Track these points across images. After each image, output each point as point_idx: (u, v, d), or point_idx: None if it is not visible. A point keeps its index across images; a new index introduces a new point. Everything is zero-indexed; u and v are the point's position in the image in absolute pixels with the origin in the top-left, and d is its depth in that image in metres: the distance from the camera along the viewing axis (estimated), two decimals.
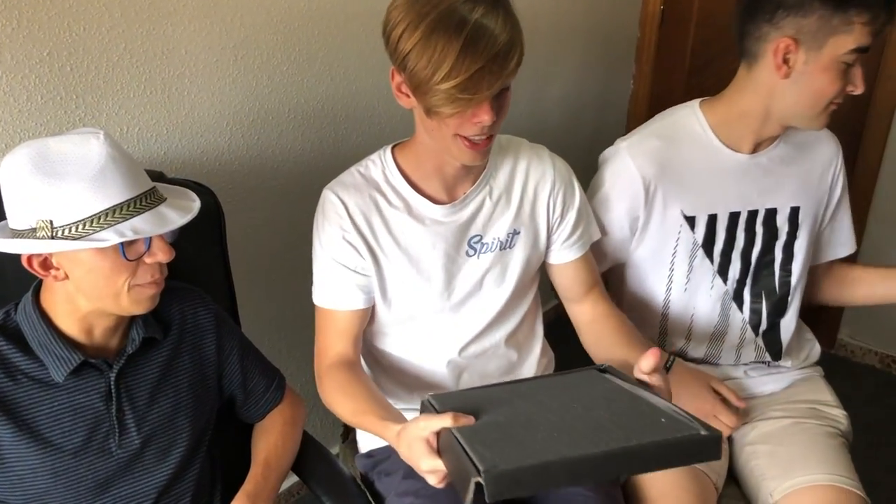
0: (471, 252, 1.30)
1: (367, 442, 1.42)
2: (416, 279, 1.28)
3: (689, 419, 0.92)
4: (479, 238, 1.30)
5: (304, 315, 1.89)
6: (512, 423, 0.94)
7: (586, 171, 1.53)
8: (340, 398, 1.22)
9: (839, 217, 1.54)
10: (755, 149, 1.42)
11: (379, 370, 1.39)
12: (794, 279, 1.49)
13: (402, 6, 1.07)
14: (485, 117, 1.09)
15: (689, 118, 1.45)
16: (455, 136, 1.12)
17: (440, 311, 1.31)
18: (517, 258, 1.34)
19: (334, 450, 1.98)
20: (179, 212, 1.05)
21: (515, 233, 1.32)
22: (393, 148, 1.30)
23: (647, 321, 1.55)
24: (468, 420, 0.92)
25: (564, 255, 1.38)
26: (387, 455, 1.35)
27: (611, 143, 1.51)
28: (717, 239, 1.45)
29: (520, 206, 1.32)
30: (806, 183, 1.46)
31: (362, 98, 1.88)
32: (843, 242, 1.57)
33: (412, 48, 1.05)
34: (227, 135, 1.64)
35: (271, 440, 1.28)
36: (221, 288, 1.37)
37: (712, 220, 1.44)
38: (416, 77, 1.06)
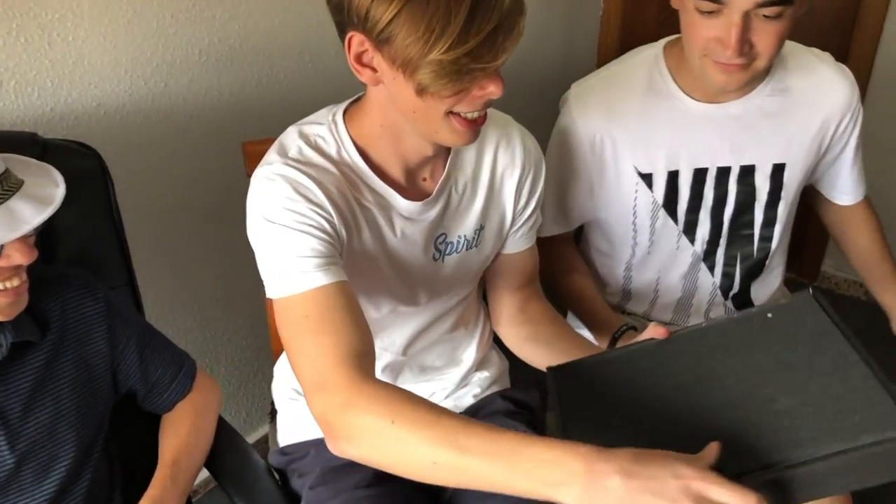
0: (436, 255, 1.11)
1: (283, 435, 1.26)
2: (376, 286, 1.10)
3: None
4: (443, 237, 1.10)
5: (217, 289, 1.74)
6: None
7: (555, 112, 1.37)
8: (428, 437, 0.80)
9: (840, 169, 1.35)
10: (724, 97, 1.23)
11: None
12: (774, 244, 1.33)
13: None
14: (495, 88, 0.90)
15: (648, 62, 1.27)
16: (448, 115, 0.92)
17: (392, 318, 1.15)
18: (482, 257, 1.17)
19: (254, 437, 1.84)
20: (36, 205, 0.87)
21: (481, 228, 1.14)
22: (343, 116, 1.04)
23: (611, 284, 1.42)
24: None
25: (516, 245, 1.21)
26: (302, 453, 1.20)
27: (581, 77, 1.35)
28: (679, 197, 1.28)
29: (487, 197, 1.13)
30: (797, 137, 1.26)
31: (288, 32, 1.67)
32: (842, 190, 1.39)
33: (397, 13, 0.83)
34: (127, 84, 1.43)
35: (181, 435, 1.13)
36: (116, 266, 1.19)
37: (673, 177, 1.27)
38: (406, 50, 0.84)
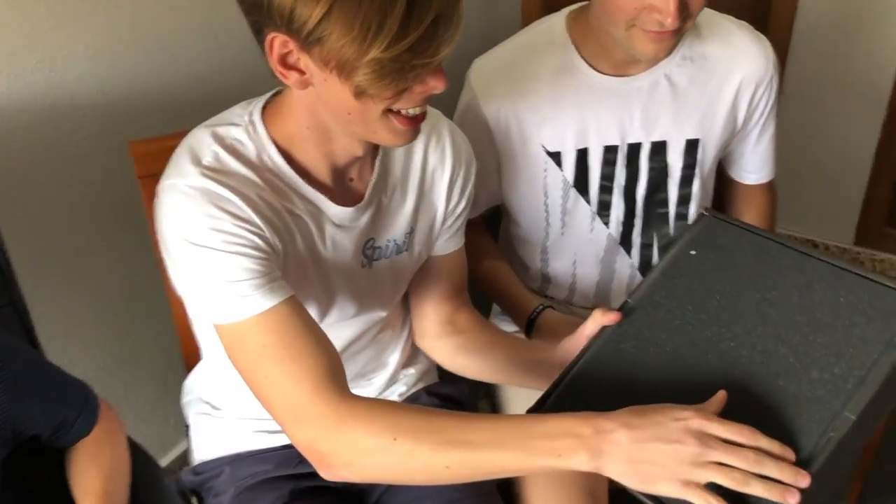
0: (364, 262, 1.04)
1: (197, 453, 1.18)
2: (302, 299, 1.00)
3: None
4: (371, 242, 1.03)
5: (118, 302, 1.61)
6: None
7: None
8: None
9: (749, 145, 1.30)
10: (632, 69, 1.18)
11: (228, 389, 1.14)
12: (690, 221, 1.29)
13: None
14: (438, 83, 0.83)
15: (550, 34, 1.21)
16: (386, 114, 0.85)
17: None
18: (413, 261, 1.10)
19: (172, 455, 1.69)
20: None
21: (412, 231, 1.07)
22: (261, 114, 0.95)
23: (528, 270, 1.37)
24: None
25: (447, 246, 1.14)
26: (217, 471, 1.13)
27: None
28: (590, 176, 1.23)
29: (417, 198, 1.06)
30: (711, 111, 1.22)
31: (189, 17, 1.56)
32: (746, 167, 1.35)
33: (327, 11, 0.75)
34: (3, 85, 1.31)
35: (104, 464, 1.03)
36: None
37: (582, 154, 1.22)
38: (340, 51, 0.77)
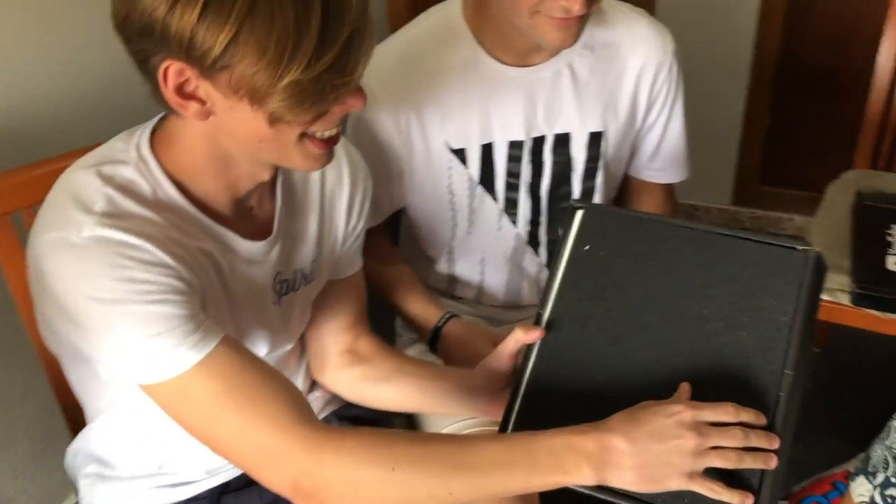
0: (274, 299, 0.97)
1: None
2: None
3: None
4: (279, 276, 0.97)
5: None
6: None
7: None
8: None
9: (655, 138, 1.25)
10: (534, 59, 1.14)
11: (125, 447, 1.04)
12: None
13: None
14: (358, 101, 0.79)
15: (446, 24, 1.15)
16: (301, 139, 0.80)
17: None
18: (320, 289, 1.04)
19: None
20: None
21: (316, 259, 1.00)
22: (150, 147, 0.86)
23: (433, 271, 1.32)
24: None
25: (347, 267, 1.08)
26: None
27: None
28: (496, 172, 1.18)
29: (320, 222, 1.00)
30: (613, 101, 1.19)
31: (44, 31, 1.40)
32: (655, 167, 1.31)
33: (234, 36, 0.69)
34: None
35: None
36: None
37: (487, 150, 1.17)
38: (252, 78, 0.71)
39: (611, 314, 0.90)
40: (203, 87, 0.75)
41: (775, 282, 0.86)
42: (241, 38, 0.70)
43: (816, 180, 2.02)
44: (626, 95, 1.19)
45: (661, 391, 0.82)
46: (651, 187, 1.33)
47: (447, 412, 1.04)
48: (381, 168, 1.18)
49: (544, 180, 1.21)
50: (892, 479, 0.96)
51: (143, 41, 0.73)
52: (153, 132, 0.87)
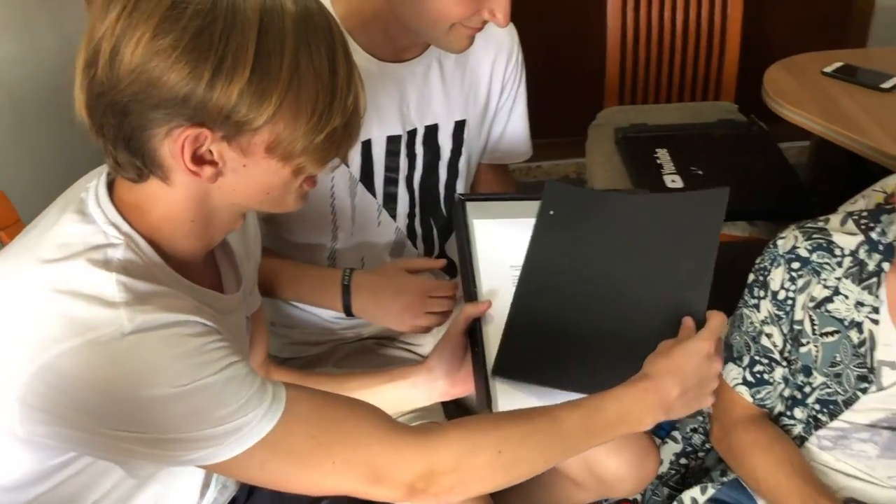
0: (246, 345, 0.95)
1: None
2: None
3: None
4: (247, 322, 0.95)
5: None
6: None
7: None
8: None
9: (502, 122, 1.33)
10: (407, 55, 1.15)
11: None
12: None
13: (169, 41, 0.67)
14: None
15: None
16: (301, 183, 0.79)
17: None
18: None
19: None
20: None
21: (251, 292, 0.98)
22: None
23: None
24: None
25: (256, 299, 1.03)
26: None
27: None
28: (375, 168, 1.19)
29: (246, 253, 0.97)
30: (473, 91, 1.25)
31: None
32: (502, 149, 1.37)
33: (282, 101, 0.69)
34: None
35: None
36: None
37: (366, 147, 1.17)
38: (291, 140, 0.72)
39: (573, 273, 1.02)
40: (217, 149, 0.72)
41: (693, 221, 1.05)
42: (287, 102, 0.69)
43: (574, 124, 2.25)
44: (484, 84, 1.26)
45: (626, 326, 0.98)
46: (494, 168, 1.41)
47: (405, 410, 1.05)
48: None
49: (417, 172, 1.24)
50: (756, 357, 1.15)
51: (146, 115, 0.69)
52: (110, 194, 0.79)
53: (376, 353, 1.30)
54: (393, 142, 1.19)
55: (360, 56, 1.11)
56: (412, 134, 1.20)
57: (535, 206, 1.07)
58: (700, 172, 1.78)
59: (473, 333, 1.00)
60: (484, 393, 0.96)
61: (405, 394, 1.03)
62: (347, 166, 1.16)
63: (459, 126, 1.24)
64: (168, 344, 0.71)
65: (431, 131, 1.22)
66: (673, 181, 1.75)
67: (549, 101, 2.72)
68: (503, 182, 1.41)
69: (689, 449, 1.32)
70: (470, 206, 1.08)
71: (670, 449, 1.32)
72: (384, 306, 1.10)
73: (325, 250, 1.23)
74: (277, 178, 0.75)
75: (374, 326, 1.30)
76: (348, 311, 1.12)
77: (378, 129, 1.17)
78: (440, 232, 1.32)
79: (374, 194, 1.21)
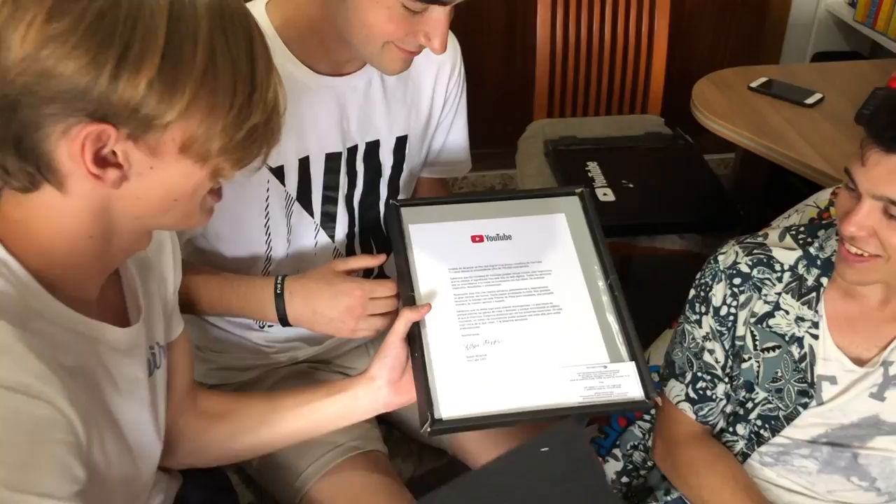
0: (146, 388, 0.83)
1: None
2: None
3: None
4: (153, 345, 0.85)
5: None
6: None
7: None
8: None
9: (443, 135, 1.28)
10: (346, 69, 1.09)
11: None
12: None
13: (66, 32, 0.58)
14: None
15: None
16: (205, 198, 0.73)
17: None
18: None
19: None
20: None
21: (166, 323, 0.89)
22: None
23: (216, 318, 1.21)
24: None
25: (177, 324, 0.95)
26: None
27: None
28: (313, 187, 1.12)
29: (158, 281, 0.89)
30: (415, 105, 1.19)
31: None
32: (442, 162, 1.32)
33: (195, 96, 0.63)
34: None
35: None
36: None
37: (304, 164, 1.10)
38: (209, 133, 0.65)
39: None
40: (122, 149, 0.63)
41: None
42: (202, 95, 0.62)
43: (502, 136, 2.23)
44: (426, 99, 1.20)
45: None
46: (434, 182, 1.36)
47: (347, 424, 1.00)
48: None
49: (357, 190, 1.18)
50: (698, 374, 1.14)
51: (39, 110, 0.60)
52: None
53: (311, 378, 1.23)
54: (332, 159, 1.12)
55: (297, 69, 1.05)
56: (353, 151, 1.14)
57: (468, 208, 1.10)
58: (631, 186, 1.78)
59: (413, 339, 0.97)
60: (424, 399, 0.92)
61: (347, 407, 0.98)
62: (277, 172, 1.09)
63: (401, 142, 1.19)
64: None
65: (372, 148, 1.16)
66: (605, 194, 1.75)
67: (477, 112, 2.73)
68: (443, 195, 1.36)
69: (630, 467, 1.30)
70: (405, 211, 1.08)
71: (611, 468, 1.30)
72: (322, 313, 1.02)
73: (256, 271, 1.16)
74: (188, 182, 0.68)
75: (309, 349, 1.23)
76: (284, 321, 1.04)
77: (317, 145, 1.10)
78: (380, 251, 1.25)
79: (311, 214, 1.14)
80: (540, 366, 0.97)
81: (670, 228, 1.74)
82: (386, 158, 1.18)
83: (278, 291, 1.04)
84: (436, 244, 1.05)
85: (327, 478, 1.09)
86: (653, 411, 1.29)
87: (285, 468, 1.12)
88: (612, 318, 1.02)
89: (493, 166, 2.80)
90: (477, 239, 1.07)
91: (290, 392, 1.01)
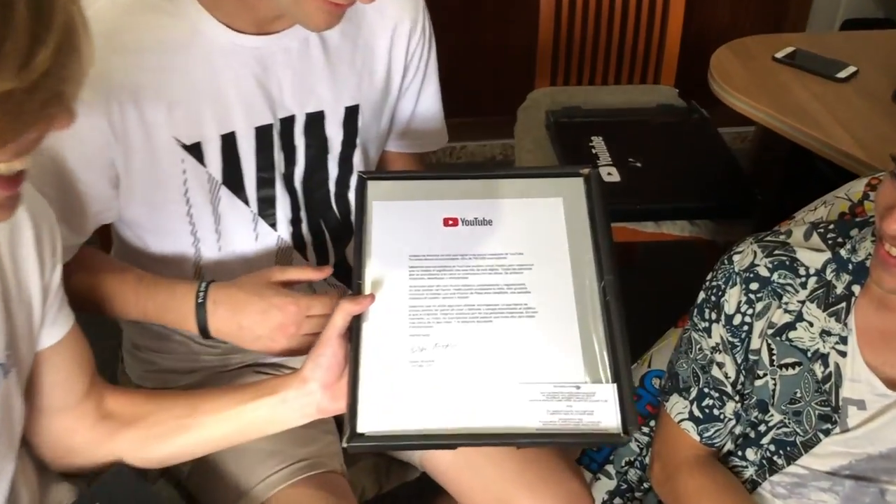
0: None
1: None
2: None
3: None
4: None
5: None
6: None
7: None
8: None
9: (410, 103, 1.12)
10: (274, 27, 0.92)
11: None
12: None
13: None
14: (68, 117, 0.58)
15: None
16: None
17: None
18: (27, 375, 0.79)
19: None
20: None
21: (11, 341, 0.76)
22: None
23: None
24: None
25: (57, 330, 0.81)
26: None
27: None
28: (243, 168, 0.97)
29: (16, 299, 0.76)
30: (367, 70, 1.02)
31: None
32: (413, 135, 1.16)
33: None
34: None
35: None
36: None
37: (229, 141, 0.94)
38: None
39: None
40: None
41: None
42: None
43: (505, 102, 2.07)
44: (382, 62, 1.04)
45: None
46: (406, 158, 1.20)
47: (278, 430, 0.88)
48: (88, 170, 0.89)
49: (298, 168, 1.02)
50: (705, 390, 1.00)
51: None
52: None
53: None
54: (263, 133, 0.96)
55: (211, 26, 0.89)
56: (288, 123, 0.98)
57: (447, 185, 0.97)
58: (638, 165, 1.63)
59: (352, 335, 0.84)
60: (349, 407, 0.80)
61: (273, 412, 0.85)
62: (194, 150, 0.93)
63: (351, 112, 1.02)
64: None
65: (315, 119, 1.00)
66: (609, 174, 1.59)
67: (476, 77, 2.58)
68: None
69: (625, 486, 1.17)
70: (371, 185, 0.96)
71: (603, 486, 1.17)
72: (249, 328, 0.89)
73: (188, 268, 1.01)
74: None
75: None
76: (205, 333, 0.91)
77: (243, 118, 0.94)
78: (334, 238, 1.10)
79: (245, 201, 0.98)
80: (496, 379, 0.82)
81: (680, 214, 1.58)
82: (334, 132, 1.02)
83: (200, 300, 0.90)
84: (400, 225, 0.92)
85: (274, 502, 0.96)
86: (652, 423, 1.16)
87: (224, 485, 0.99)
88: (598, 328, 0.85)
89: (495, 135, 2.64)
90: (450, 222, 0.93)
91: (213, 393, 0.88)
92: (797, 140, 1.47)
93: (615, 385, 0.81)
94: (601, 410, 0.80)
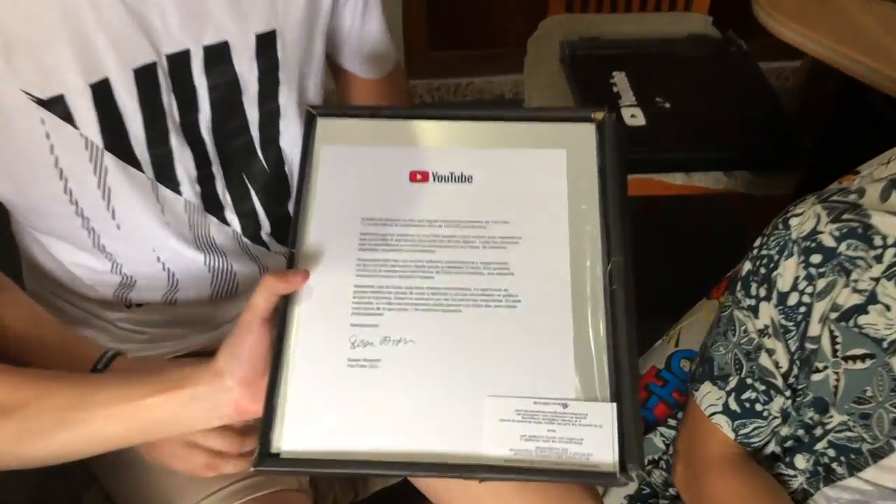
0: None
1: None
2: None
3: None
4: None
5: None
6: None
7: None
8: None
9: (349, 22, 0.93)
10: None
11: None
12: (288, 146, 0.90)
13: None
14: None
15: None
16: None
17: None
18: None
19: None
20: None
21: None
22: None
23: (66, 294, 0.90)
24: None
25: None
26: None
27: None
28: (127, 123, 0.77)
29: None
30: None
31: None
32: (361, 59, 0.98)
33: None
34: None
35: None
36: None
37: (102, 92, 0.74)
38: None
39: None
40: None
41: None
42: None
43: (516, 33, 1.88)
44: None
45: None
46: (373, 86, 1.02)
47: (185, 432, 0.72)
48: None
49: (202, 115, 0.82)
50: (748, 381, 0.83)
51: None
52: None
53: None
54: (146, 75, 0.76)
55: None
56: (179, 59, 0.77)
57: (420, 127, 0.77)
58: (667, 105, 1.43)
59: (278, 322, 0.67)
60: (264, 417, 0.64)
61: (179, 411, 0.68)
62: (54, 107, 0.73)
63: (265, 41, 0.82)
64: None
65: (218, 53, 0.79)
66: (633, 116, 1.40)
67: (483, 4, 2.38)
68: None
69: (647, 490, 1.01)
70: (321, 124, 0.76)
71: (620, 491, 1.01)
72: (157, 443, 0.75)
73: (88, 249, 0.83)
74: None
75: (198, 337, 0.95)
76: None
77: (115, 60, 0.73)
78: (265, 197, 0.91)
79: (136, 165, 0.78)
80: (458, 389, 0.64)
81: (714, 164, 1.40)
82: (245, 67, 0.82)
83: (98, 367, 0.75)
84: (353, 178, 0.73)
85: None
86: (678, 415, 0.99)
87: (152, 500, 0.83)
88: (598, 326, 0.67)
89: (502, 69, 2.44)
90: (418, 176, 0.74)
91: (109, 382, 0.71)
92: (859, 76, 1.25)
93: (615, 405, 0.63)
94: (593, 438, 0.62)
